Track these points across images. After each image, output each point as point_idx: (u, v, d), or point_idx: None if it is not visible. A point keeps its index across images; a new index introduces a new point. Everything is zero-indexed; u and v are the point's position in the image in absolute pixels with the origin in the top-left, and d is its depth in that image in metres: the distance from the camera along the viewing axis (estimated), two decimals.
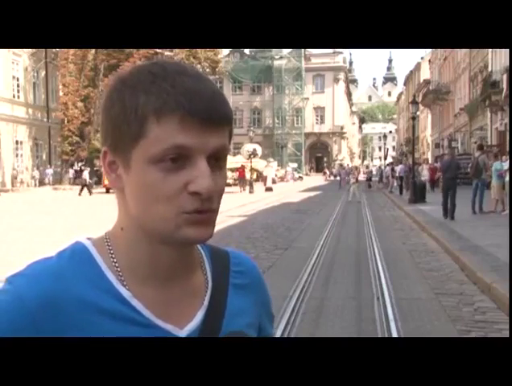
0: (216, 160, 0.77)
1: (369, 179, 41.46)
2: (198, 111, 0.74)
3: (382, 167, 52.42)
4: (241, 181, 34.94)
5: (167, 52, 39.65)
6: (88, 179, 30.90)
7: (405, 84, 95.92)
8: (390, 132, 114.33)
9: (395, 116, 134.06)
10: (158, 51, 35.61)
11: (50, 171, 37.58)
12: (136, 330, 0.78)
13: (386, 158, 59.11)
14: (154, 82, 0.75)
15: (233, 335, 0.83)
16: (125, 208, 0.81)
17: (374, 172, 60.71)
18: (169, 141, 0.74)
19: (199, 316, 0.85)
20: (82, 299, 0.77)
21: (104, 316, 0.78)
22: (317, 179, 48.28)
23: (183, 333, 0.82)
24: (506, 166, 15.85)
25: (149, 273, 0.82)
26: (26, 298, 0.75)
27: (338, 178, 44.86)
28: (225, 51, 64.53)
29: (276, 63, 68.70)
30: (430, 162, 40.43)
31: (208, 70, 46.13)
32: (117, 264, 0.82)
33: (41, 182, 36.48)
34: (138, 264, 0.82)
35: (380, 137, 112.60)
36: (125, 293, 0.80)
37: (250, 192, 31.61)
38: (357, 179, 27.43)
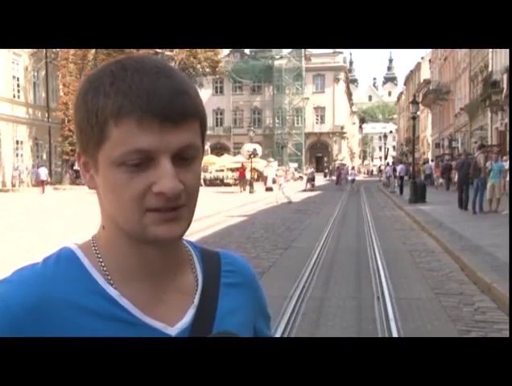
0: (183, 158, 0.76)
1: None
2: (155, 110, 0.73)
3: (382, 167, 52.53)
4: (242, 181, 34.92)
5: (167, 52, 39.64)
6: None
7: (405, 84, 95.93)
8: (391, 132, 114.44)
9: (395, 116, 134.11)
10: (158, 51, 35.60)
11: (43, 171, 34.46)
12: (125, 329, 0.78)
13: (386, 158, 59.18)
14: (113, 83, 0.75)
15: (222, 335, 0.82)
16: (102, 207, 0.82)
17: (375, 172, 60.61)
18: (129, 144, 0.73)
19: (189, 314, 0.85)
20: (69, 301, 0.77)
21: (92, 316, 0.78)
22: (317, 179, 48.25)
23: (173, 331, 0.82)
24: (506, 166, 15.89)
25: (135, 271, 0.82)
26: (11, 304, 0.75)
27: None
28: (225, 51, 64.46)
29: (276, 63, 68.62)
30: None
31: (208, 70, 46.09)
32: (103, 264, 0.82)
33: (14, 183, 34.88)
34: (123, 263, 0.82)
35: (380, 137, 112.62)
36: (112, 292, 0.80)
37: (250, 192, 31.60)
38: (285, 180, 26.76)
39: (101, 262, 0.82)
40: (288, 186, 26.52)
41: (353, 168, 50.19)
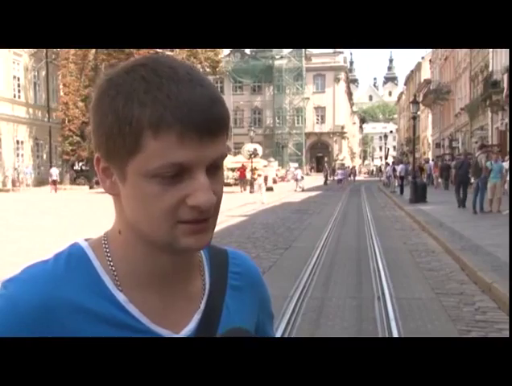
0: (215, 168, 0.75)
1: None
2: (197, 124, 0.71)
3: (382, 167, 52.63)
4: (242, 181, 34.91)
5: (167, 52, 39.62)
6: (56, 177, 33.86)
7: (405, 84, 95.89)
8: (391, 132, 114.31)
9: (396, 115, 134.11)
10: (158, 51, 35.60)
11: (29, 170, 35.95)
12: (131, 336, 0.77)
13: (386, 158, 59.16)
14: (149, 91, 0.71)
15: (233, 332, 0.83)
16: (122, 213, 0.80)
17: (375, 172, 60.55)
18: (167, 157, 0.71)
19: (195, 320, 0.84)
20: (77, 304, 0.76)
21: (99, 321, 0.77)
22: (318, 179, 48.29)
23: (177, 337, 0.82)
24: (506, 166, 15.91)
25: (146, 277, 0.81)
26: (20, 303, 0.74)
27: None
28: (226, 51, 64.35)
29: (277, 62, 68.59)
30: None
31: (208, 70, 46.06)
32: (113, 268, 0.81)
33: (14, 183, 35.04)
34: (136, 269, 0.81)
35: (381, 137, 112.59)
36: (121, 298, 0.79)
37: (251, 192, 31.58)
38: (266, 180, 25.93)
39: (112, 266, 0.81)
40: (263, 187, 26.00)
41: (339, 168, 50.60)
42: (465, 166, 18.14)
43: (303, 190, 34.44)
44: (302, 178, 37.72)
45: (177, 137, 0.71)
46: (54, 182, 33.32)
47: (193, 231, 0.75)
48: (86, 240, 0.85)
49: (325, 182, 44.75)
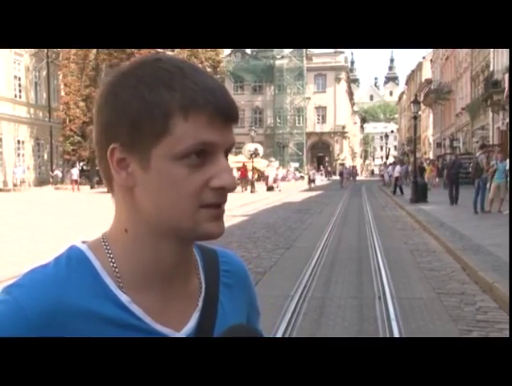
0: (227, 155, 0.79)
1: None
2: (223, 108, 0.76)
3: (382, 167, 52.73)
4: (243, 181, 34.94)
5: (168, 52, 39.63)
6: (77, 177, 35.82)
7: (406, 84, 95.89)
8: (392, 131, 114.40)
9: (397, 115, 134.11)
10: (159, 51, 35.59)
11: (19, 170, 35.36)
12: (136, 336, 0.78)
13: (387, 158, 59.22)
14: (174, 78, 0.74)
15: (235, 329, 0.82)
16: (133, 208, 0.79)
17: (377, 171, 60.60)
18: (197, 137, 0.74)
19: (194, 318, 0.85)
20: (81, 307, 0.76)
21: (103, 323, 0.77)
22: (318, 179, 48.32)
23: (180, 336, 0.82)
24: (507, 166, 15.89)
25: (149, 276, 0.81)
26: (27, 309, 0.73)
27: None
28: (227, 51, 64.34)
29: (278, 62, 68.57)
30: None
31: (209, 70, 46.10)
32: (116, 269, 0.80)
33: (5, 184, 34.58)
34: (140, 268, 0.80)
35: (381, 137, 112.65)
36: (124, 298, 0.79)
37: (252, 192, 31.61)
38: (267, 179, 25.22)
39: (115, 267, 0.80)
40: None
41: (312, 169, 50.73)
42: (456, 166, 19.69)
43: (280, 191, 34.10)
44: (302, 177, 37.55)
45: (208, 118, 0.74)
46: (75, 182, 35.04)
47: (214, 216, 0.78)
48: (83, 242, 0.84)
49: (309, 183, 44.30)
